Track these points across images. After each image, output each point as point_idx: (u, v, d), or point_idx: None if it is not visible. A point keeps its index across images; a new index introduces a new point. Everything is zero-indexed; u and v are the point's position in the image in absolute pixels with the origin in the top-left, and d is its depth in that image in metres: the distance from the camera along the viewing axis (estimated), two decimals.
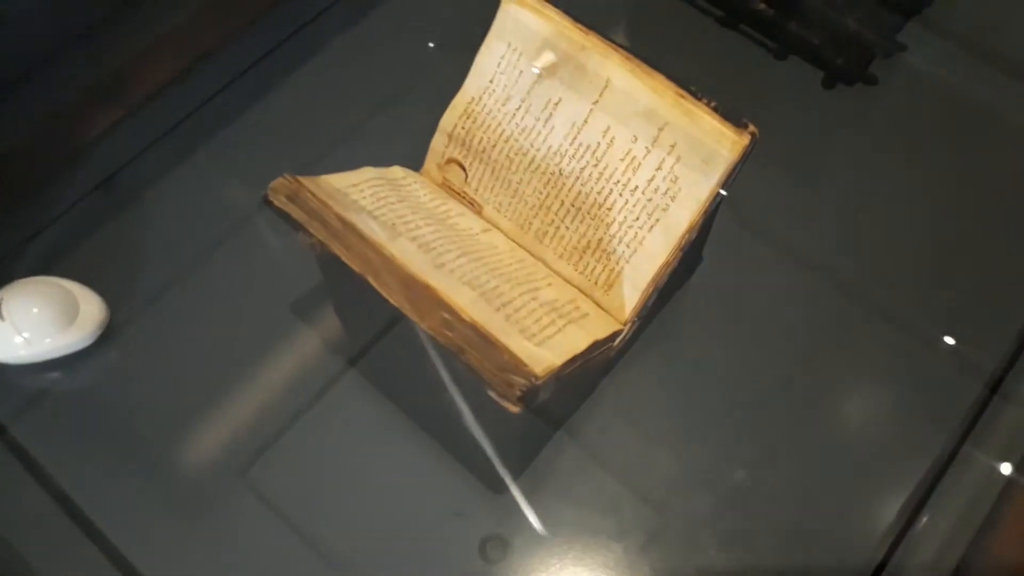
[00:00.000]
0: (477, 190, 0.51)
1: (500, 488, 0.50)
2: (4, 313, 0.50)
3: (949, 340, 0.54)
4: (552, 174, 0.48)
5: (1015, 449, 0.51)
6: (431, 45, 0.65)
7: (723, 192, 0.44)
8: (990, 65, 0.64)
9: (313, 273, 0.53)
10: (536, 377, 0.38)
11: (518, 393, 0.37)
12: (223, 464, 0.50)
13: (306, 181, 0.43)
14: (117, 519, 0.48)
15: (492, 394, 0.38)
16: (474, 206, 0.51)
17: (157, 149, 0.60)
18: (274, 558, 0.48)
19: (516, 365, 0.38)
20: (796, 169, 0.60)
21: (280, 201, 0.42)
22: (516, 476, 0.50)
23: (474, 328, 0.39)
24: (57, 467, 0.49)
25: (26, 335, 0.50)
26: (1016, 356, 0.54)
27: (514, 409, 0.38)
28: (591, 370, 0.48)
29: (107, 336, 0.52)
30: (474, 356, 0.38)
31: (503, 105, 0.49)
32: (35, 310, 0.50)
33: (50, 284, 0.51)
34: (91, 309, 0.51)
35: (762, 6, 0.61)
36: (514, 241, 0.51)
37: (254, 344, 0.53)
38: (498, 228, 0.51)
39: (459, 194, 0.52)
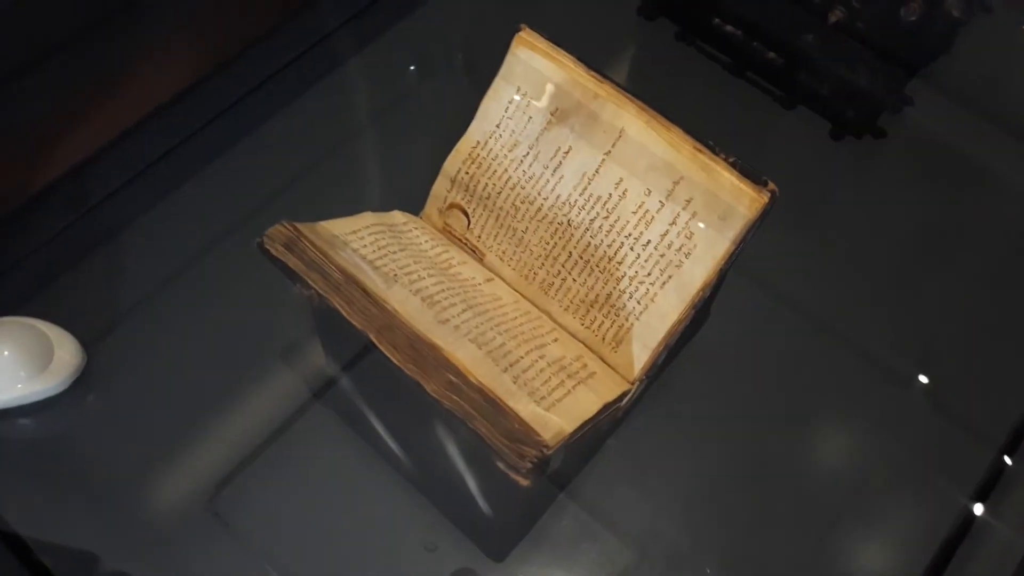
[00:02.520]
0: (480, 237, 0.49)
1: (499, 554, 0.47)
2: None
3: (960, 400, 0.53)
4: (560, 224, 0.46)
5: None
6: (422, 79, 0.63)
7: (740, 250, 0.43)
8: (989, 122, 0.64)
9: (298, 316, 0.51)
10: (547, 447, 0.35)
11: (529, 465, 0.35)
12: (194, 503, 0.48)
13: (304, 228, 0.41)
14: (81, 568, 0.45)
15: (500, 465, 0.36)
16: (476, 253, 0.49)
17: (137, 184, 0.57)
18: None
19: (527, 434, 0.36)
20: (801, 219, 0.59)
21: (277, 250, 0.39)
22: (515, 542, 0.47)
23: (482, 392, 0.36)
24: (20, 516, 0.46)
25: None
26: (1013, 409, 0.53)
27: (524, 482, 0.35)
28: (597, 434, 0.45)
29: (82, 380, 0.49)
30: (483, 424, 0.36)
31: (510, 151, 0.47)
32: (6, 353, 0.47)
33: (23, 325, 0.48)
34: (66, 353, 0.48)
35: (771, 55, 0.60)
36: (518, 291, 0.49)
37: (231, 383, 0.51)
38: (501, 277, 0.49)
39: (461, 240, 0.50)
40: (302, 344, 0.53)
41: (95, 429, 0.49)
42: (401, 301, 0.40)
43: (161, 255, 0.55)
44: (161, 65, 0.62)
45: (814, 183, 0.60)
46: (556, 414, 0.39)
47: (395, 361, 0.37)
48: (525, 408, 0.37)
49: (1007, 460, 0.51)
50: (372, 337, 0.38)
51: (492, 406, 0.36)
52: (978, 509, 0.50)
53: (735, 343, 0.54)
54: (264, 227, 0.40)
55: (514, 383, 0.39)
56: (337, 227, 0.44)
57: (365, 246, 0.43)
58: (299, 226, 0.40)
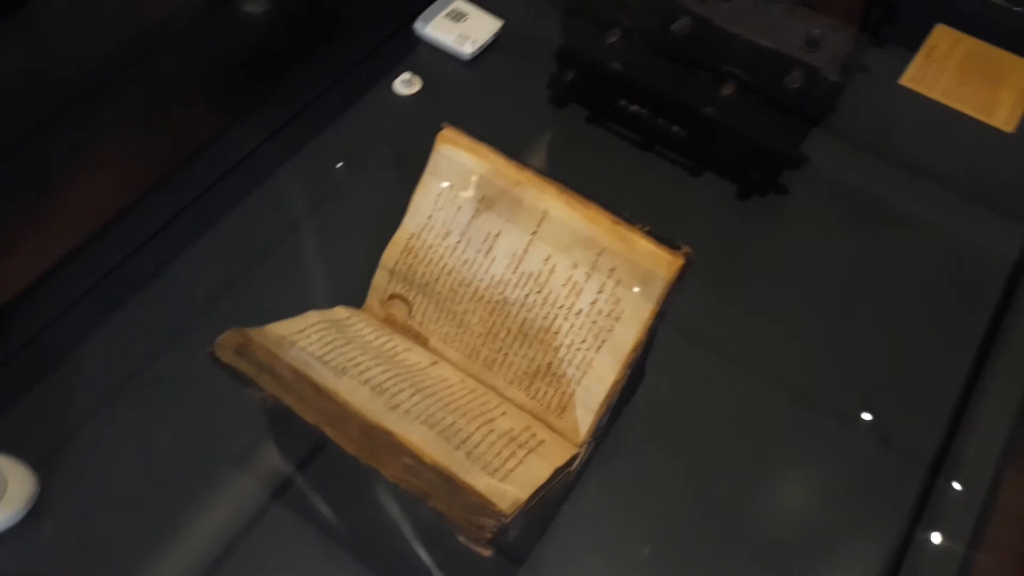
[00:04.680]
0: (422, 323, 0.51)
1: None
2: None
3: (886, 428, 0.56)
4: (497, 303, 0.49)
5: (964, 527, 0.53)
6: (354, 178, 0.66)
7: (664, 310, 0.46)
8: (882, 165, 0.69)
9: (249, 419, 0.52)
10: (505, 516, 0.37)
11: (488, 535, 0.37)
12: None
13: (253, 333, 0.42)
14: None
15: (462, 539, 0.37)
16: (420, 339, 0.52)
17: (81, 304, 0.58)
18: None
19: (484, 506, 0.37)
20: (724, 275, 0.63)
21: (228, 356, 0.41)
22: None
23: (437, 471, 0.38)
24: None
25: None
26: (951, 435, 0.56)
27: (486, 553, 0.37)
28: (552, 499, 0.47)
29: (36, 511, 0.49)
30: (441, 501, 0.37)
31: (443, 239, 0.50)
32: None
33: None
34: (18, 484, 0.48)
35: (675, 129, 0.65)
36: (463, 371, 0.51)
37: (188, 495, 0.51)
38: (446, 359, 0.51)
39: (404, 328, 0.52)
40: (256, 447, 0.53)
41: (52, 560, 0.49)
42: (351, 392, 0.41)
43: (109, 371, 0.55)
44: (95, 185, 0.63)
45: (730, 240, 0.65)
46: (510, 484, 0.41)
47: (351, 451, 0.39)
48: (480, 481, 0.39)
49: (956, 486, 0.54)
50: (326, 430, 0.39)
51: (448, 483, 0.38)
52: (936, 538, 0.52)
53: (676, 398, 0.57)
54: (210, 334, 0.42)
55: (467, 458, 0.41)
56: (283, 328, 0.45)
57: (312, 343, 0.45)
58: (247, 331, 0.42)
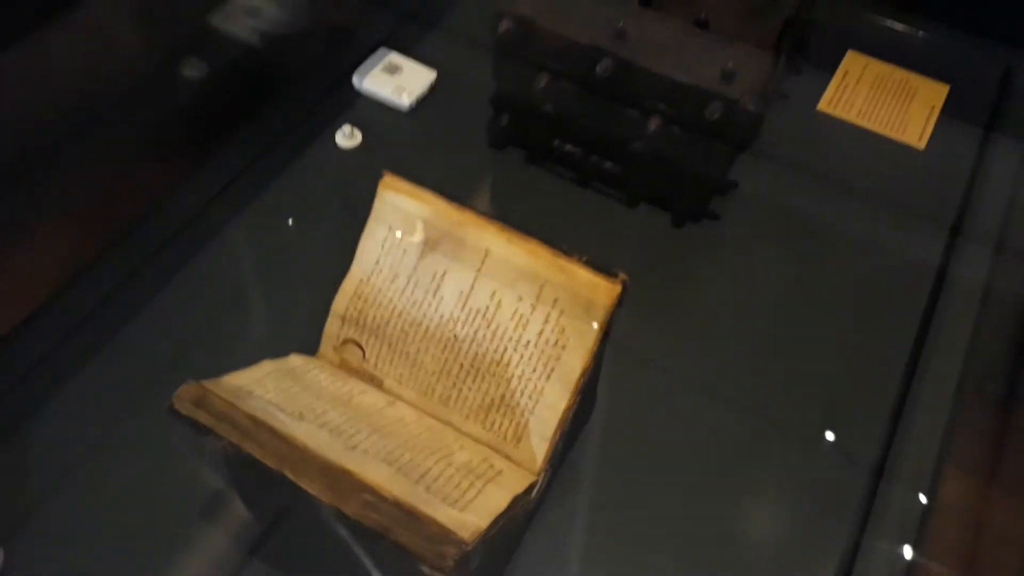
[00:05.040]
0: (376, 365, 0.53)
1: None
2: None
3: (831, 436, 0.59)
4: (448, 340, 0.51)
5: (910, 527, 0.55)
6: (301, 229, 0.68)
7: (607, 335, 0.48)
8: (810, 184, 0.73)
9: (212, 474, 0.52)
10: (466, 543, 0.38)
11: (451, 563, 0.38)
12: None
13: (210, 384, 0.43)
14: None
15: (425, 570, 0.38)
16: (375, 381, 0.53)
17: (35, 375, 0.58)
18: None
19: (445, 535, 0.38)
20: (667, 300, 0.66)
21: (186, 408, 0.42)
22: None
23: (397, 505, 0.39)
24: None
25: None
26: (891, 439, 0.59)
27: None
28: (514, 528, 0.48)
29: None
30: (402, 534, 0.38)
31: (391, 283, 0.52)
32: None
33: None
34: None
35: (608, 164, 0.68)
36: (420, 409, 0.52)
37: (157, 558, 0.51)
38: (401, 399, 0.52)
39: (358, 372, 0.53)
40: (221, 501, 0.54)
41: None
42: (310, 435, 0.42)
43: (69, 438, 0.55)
44: (45, 250, 0.64)
45: (669, 267, 0.67)
46: (470, 513, 0.42)
47: (312, 492, 0.40)
48: (440, 513, 0.40)
49: (900, 488, 0.56)
50: (287, 473, 0.40)
51: (409, 516, 0.39)
52: (883, 541, 0.54)
53: (625, 422, 0.59)
54: (167, 393, 0.43)
55: (427, 492, 0.42)
56: (240, 379, 0.46)
57: (268, 392, 0.46)
58: (205, 383, 0.43)
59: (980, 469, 0.60)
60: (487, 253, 0.49)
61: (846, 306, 0.66)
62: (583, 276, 0.48)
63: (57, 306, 0.61)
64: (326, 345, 0.54)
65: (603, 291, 0.47)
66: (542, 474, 0.49)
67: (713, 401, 0.60)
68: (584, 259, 0.48)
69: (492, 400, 0.50)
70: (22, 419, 0.56)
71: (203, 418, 0.42)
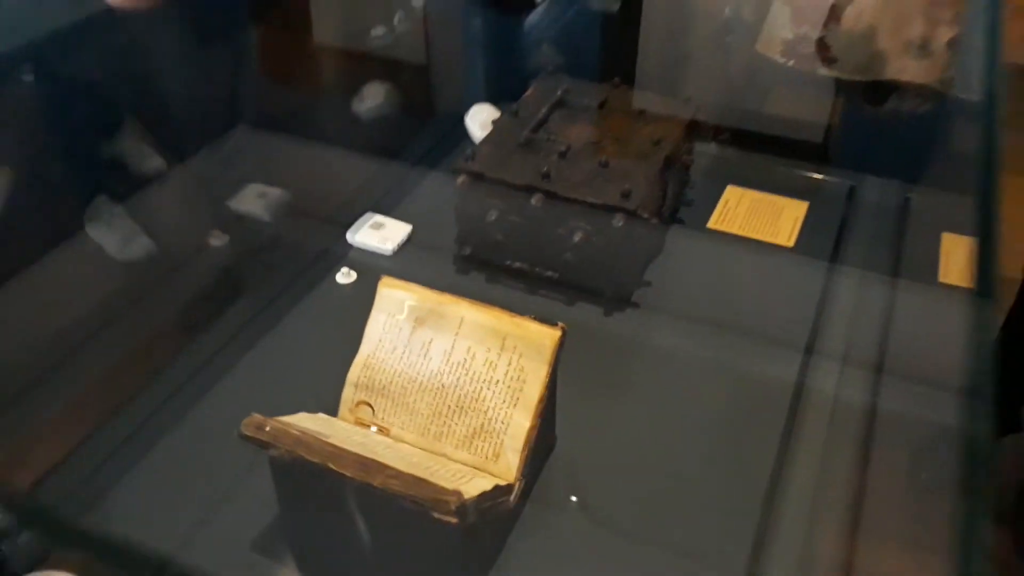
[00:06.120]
0: (383, 418, 0.69)
1: None
2: None
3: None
4: (437, 388, 0.67)
5: None
6: (309, 339, 0.85)
7: (555, 369, 0.65)
8: (710, 324, 0.89)
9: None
10: (462, 496, 0.54)
11: (452, 507, 0.53)
12: None
13: (268, 419, 0.59)
14: None
15: (435, 514, 0.53)
16: (383, 431, 0.69)
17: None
18: None
19: (447, 491, 0.54)
20: (595, 378, 0.83)
21: (251, 431, 0.58)
22: None
23: (413, 476, 0.55)
24: None
25: None
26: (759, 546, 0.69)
27: (453, 520, 0.53)
28: (499, 522, 0.63)
29: None
30: (417, 492, 0.54)
31: (391, 353, 0.69)
32: None
33: None
34: None
35: (549, 273, 0.88)
36: (418, 448, 0.68)
37: None
38: (404, 441, 0.68)
39: (370, 424, 0.69)
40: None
41: None
42: (342, 442, 0.58)
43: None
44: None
45: (602, 350, 0.85)
46: (465, 490, 0.57)
47: (348, 474, 0.55)
48: (444, 484, 0.56)
49: None
50: (331, 464, 0.55)
51: (421, 482, 0.54)
52: None
53: (580, 461, 0.74)
54: None
55: (432, 477, 0.58)
56: (285, 419, 0.62)
57: (307, 426, 0.62)
58: (262, 416, 0.59)
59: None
60: (462, 320, 0.68)
61: (720, 423, 0.78)
62: (533, 328, 0.66)
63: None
64: (343, 408, 0.70)
65: (549, 336, 0.65)
66: (517, 482, 0.64)
67: (643, 465, 0.74)
68: (533, 316, 0.66)
69: (475, 430, 0.66)
70: None
71: (264, 436, 0.57)
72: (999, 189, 0.50)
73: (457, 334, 0.68)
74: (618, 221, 0.81)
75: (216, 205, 0.98)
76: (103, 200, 0.90)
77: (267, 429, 0.58)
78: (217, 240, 0.97)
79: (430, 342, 0.68)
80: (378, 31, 1.25)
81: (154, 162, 0.94)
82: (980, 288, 0.47)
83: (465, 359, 0.67)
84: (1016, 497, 0.99)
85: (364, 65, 1.25)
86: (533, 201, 0.83)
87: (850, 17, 1.04)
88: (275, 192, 1.02)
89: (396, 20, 1.25)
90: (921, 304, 0.90)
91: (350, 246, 0.96)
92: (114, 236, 0.90)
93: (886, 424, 0.78)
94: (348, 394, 0.70)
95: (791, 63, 1.08)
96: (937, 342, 0.64)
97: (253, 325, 0.86)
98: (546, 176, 0.84)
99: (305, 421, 0.64)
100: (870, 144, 1.10)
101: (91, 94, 0.90)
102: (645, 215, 0.80)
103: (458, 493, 0.53)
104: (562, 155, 0.88)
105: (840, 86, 1.11)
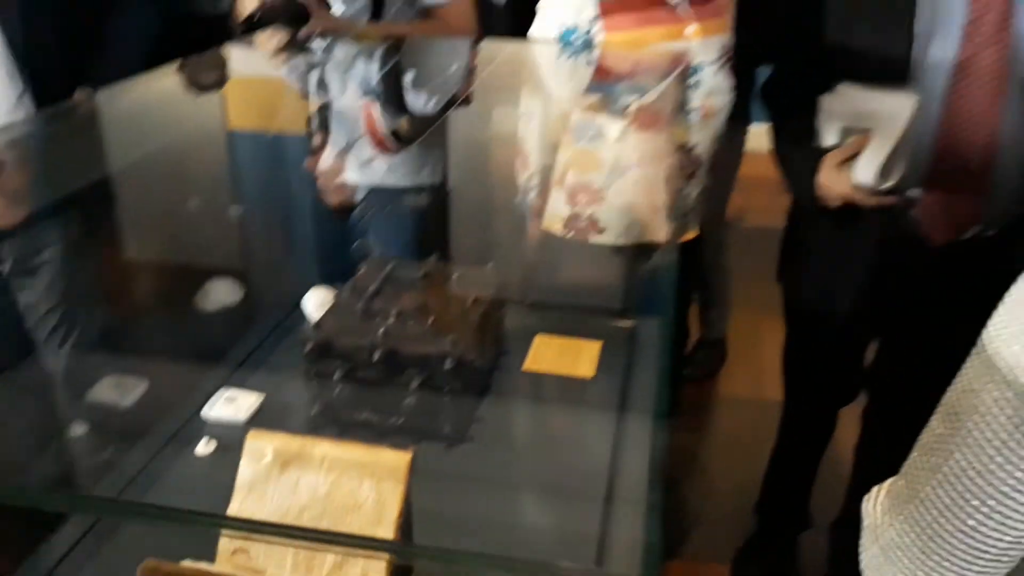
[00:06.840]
0: (260, 560, 0.77)
1: None
2: None
3: None
4: (308, 519, 0.77)
5: None
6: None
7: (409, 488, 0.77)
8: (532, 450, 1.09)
9: None
10: None
11: None
12: None
13: (163, 562, 0.67)
14: None
15: None
16: (258, 572, 0.76)
17: None
18: None
19: None
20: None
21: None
22: None
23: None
24: None
25: None
26: None
27: None
28: None
29: None
30: None
31: (262, 498, 0.78)
32: None
33: None
34: None
35: (393, 418, 1.00)
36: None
37: None
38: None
39: (247, 570, 0.76)
40: None
41: None
42: None
43: None
44: None
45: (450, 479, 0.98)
46: None
47: None
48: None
49: None
50: None
51: None
52: None
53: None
54: None
55: None
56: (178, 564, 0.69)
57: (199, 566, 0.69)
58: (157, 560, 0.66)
59: None
60: (324, 457, 0.79)
61: None
62: (387, 455, 0.78)
63: None
64: (221, 559, 0.77)
65: (401, 460, 0.78)
66: None
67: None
68: (386, 446, 0.79)
69: (344, 555, 0.76)
70: None
71: None
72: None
73: (320, 470, 0.78)
74: (448, 364, 0.96)
75: (74, 396, 1.04)
76: None
77: (164, 571, 0.65)
78: (78, 429, 1.02)
79: (297, 481, 0.78)
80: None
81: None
82: None
83: (330, 491, 0.78)
84: None
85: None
86: (375, 356, 0.97)
87: (613, 195, 1.32)
88: (130, 380, 1.09)
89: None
90: None
91: (204, 421, 1.04)
92: None
93: None
94: (224, 544, 0.77)
95: (571, 235, 1.33)
96: None
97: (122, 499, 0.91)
98: (386, 334, 0.99)
99: (190, 570, 0.71)
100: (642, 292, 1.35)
101: None
102: (469, 357, 0.97)
103: None
104: (397, 317, 1.04)
105: (612, 250, 1.37)
